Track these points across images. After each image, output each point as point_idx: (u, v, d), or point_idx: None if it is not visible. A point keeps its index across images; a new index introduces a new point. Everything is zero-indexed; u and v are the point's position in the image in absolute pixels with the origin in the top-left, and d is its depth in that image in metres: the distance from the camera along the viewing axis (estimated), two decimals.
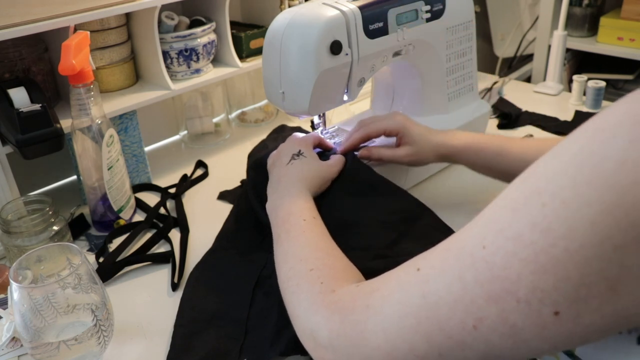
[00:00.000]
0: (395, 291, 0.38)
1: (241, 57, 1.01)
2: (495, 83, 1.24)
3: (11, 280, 0.53)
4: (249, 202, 0.78)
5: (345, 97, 0.78)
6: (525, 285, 0.31)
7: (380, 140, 0.81)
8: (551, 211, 0.31)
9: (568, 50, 1.38)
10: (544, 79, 1.31)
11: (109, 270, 0.72)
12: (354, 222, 0.67)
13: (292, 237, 0.57)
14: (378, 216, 0.69)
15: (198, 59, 0.95)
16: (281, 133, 0.98)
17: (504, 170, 0.72)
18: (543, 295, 0.31)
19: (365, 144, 0.79)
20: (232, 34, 1.00)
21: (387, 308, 0.38)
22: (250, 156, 0.91)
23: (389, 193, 0.73)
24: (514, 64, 1.62)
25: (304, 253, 0.54)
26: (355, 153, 0.76)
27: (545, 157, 0.34)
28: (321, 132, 0.86)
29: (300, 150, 0.71)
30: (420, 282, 0.36)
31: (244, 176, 0.91)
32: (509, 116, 1.10)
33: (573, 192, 0.30)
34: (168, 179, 0.97)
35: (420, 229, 0.69)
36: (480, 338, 0.33)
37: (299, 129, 1.01)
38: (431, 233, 0.69)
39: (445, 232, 0.70)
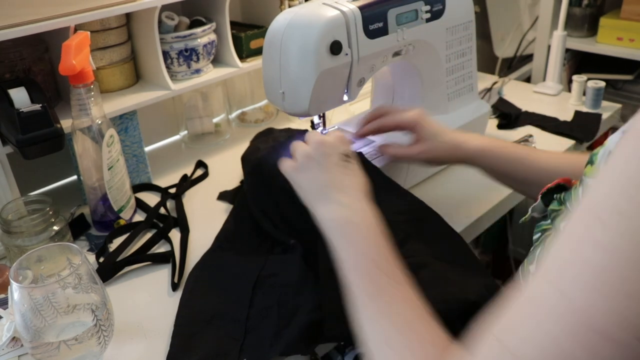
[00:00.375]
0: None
1: (241, 57, 1.01)
2: (495, 83, 1.24)
3: (11, 280, 0.53)
4: (249, 205, 0.78)
5: (345, 97, 0.78)
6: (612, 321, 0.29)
7: (383, 138, 0.81)
8: (611, 227, 0.30)
9: (568, 50, 1.38)
10: (544, 79, 1.31)
11: (109, 270, 0.72)
12: None
13: (379, 305, 0.47)
14: (385, 216, 0.69)
15: (198, 59, 0.95)
16: (270, 135, 0.98)
17: (524, 179, 0.69)
18: (629, 323, 0.29)
19: (374, 138, 0.78)
20: (232, 34, 1.00)
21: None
22: (244, 159, 0.90)
23: (396, 194, 0.73)
24: (514, 64, 1.62)
25: (393, 335, 0.45)
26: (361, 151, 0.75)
27: (597, 181, 0.33)
28: (321, 132, 0.87)
29: (348, 153, 0.59)
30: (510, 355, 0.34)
31: (243, 176, 0.91)
32: (508, 116, 1.10)
33: (628, 203, 0.29)
34: (168, 179, 0.97)
35: (426, 232, 0.69)
36: None
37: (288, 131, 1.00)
38: (437, 236, 0.68)
39: (451, 236, 0.69)
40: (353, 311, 0.49)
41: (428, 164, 0.77)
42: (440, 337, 0.44)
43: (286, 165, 0.63)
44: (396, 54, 0.81)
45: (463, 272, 0.64)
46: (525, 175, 0.69)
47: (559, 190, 0.57)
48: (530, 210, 0.59)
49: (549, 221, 0.54)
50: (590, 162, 0.46)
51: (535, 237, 0.55)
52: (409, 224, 0.68)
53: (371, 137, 0.88)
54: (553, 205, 0.54)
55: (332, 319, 0.59)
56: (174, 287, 0.70)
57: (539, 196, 0.58)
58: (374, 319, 0.47)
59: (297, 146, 0.62)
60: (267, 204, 0.75)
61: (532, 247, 0.55)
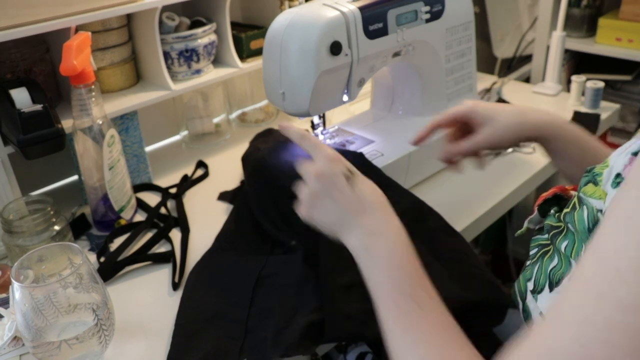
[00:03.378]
0: None
1: (241, 58, 1.02)
2: (494, 83, 1.24)
3: (13, 280, 0.53)
4: (249, 204, 0.78)
5: (345, 98, 0.79)
6: None
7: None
8: (636, 286, 0.29)
9: (567, 50, 1.38)
10: (543, 80, 1.31)
11: (110, 269, 0.73)
12: None
13: (409, 332, 0.46)
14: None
15: (198, 59, 0.96)
16: (270, 135, 0.97)
17: (581, 162, 0.64)
18: None
19: (373, 138, 0.78)
20: (233, 35, 1.00)
21: None
22: (244, 160, 0.90)
23: (398, 194, 0.73)
24: (513, 64, 1.63)
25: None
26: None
27: (609, 231, 0.32)
28: (321, 132, 0.87)
29: (348, 169, 0.56)
30: None
31: (244, 177, 0.91)
32: None
33: None
34: (169, 179, 0.97)
35: (427, 231, 0.69)
36: None
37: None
38: (437, 235, 0.69)
39: (450, 234, 0.70)
40: (386, 338, 0.48)
41: (496, 150, 0.71)
42: (469, 357, 0.43)
43: (301, 212, 0.58)
44: (396, 54, 0.81)
45: (464, 271, 0.64)
46: (584, 159, 0.64)
47: (555, 200, 0.56)
48: (526, 222, 0.58)
49: (546, 236, 0.53)
50: (593, 182, 0.45)
51: (532, 252, 0.54)
52: (412, 224, 0.69)
53: (370, 138, 0.88)
54: (550, 220, 0.53)
55: (333, 319, 0.59)
56: (175, 286, 0.70)
57: (535, 207, 0.57)
58: (402, 346, 0.46)
59: (300, 187, 0.58)
60: (268, 204, 0.75)
61: (529, 262, 0.54)
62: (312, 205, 0.57)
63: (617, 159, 0.42)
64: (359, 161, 0.75)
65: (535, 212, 0.57)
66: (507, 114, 0.68)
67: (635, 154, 0.40)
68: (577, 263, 0.35)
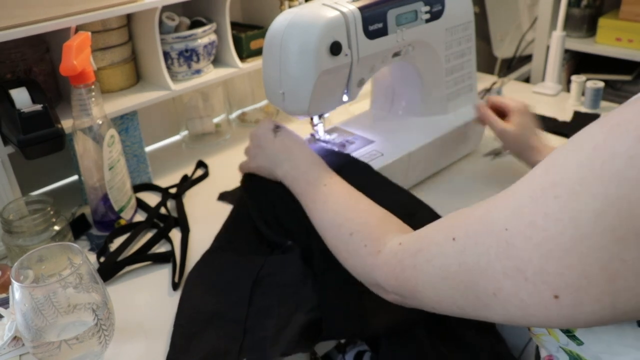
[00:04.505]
0: (436, 257, 0.43)
1: (241, 58, 1.02)
2: (494, 83, 1.24)
3: (13, 280, 0.53)
4: (247, 205, 0.78)
5: (345, 98, 0.79)
6: (532, 266, 0.34)
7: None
8: (563, 202, 0.33)
9: (567, 50, 1.38)
10: (543, 80, 1.31)
11: (109, 269, 0.73)
12: None
13: (320, 207, 0.63)
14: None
15: (198, 59, 0.96)
16: None
17: None
18: (546, 279, 0.34)
19: (373, 138, 0.87)
20: (233, 35, 1.00)
21: (431, 270, 0.44)
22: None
23: (389, 190, 0.74)
24: (513, 64, 1.63)
25: (337, 219, 0.60)
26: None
27: (567, 148, 0.36)
28: (322, 132, 0.87)
29: (276, 125, 0.75)
30: (457, 252, 0.41)
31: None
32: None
33: (583, 186, 0.32)
34: (169, 179, 0.97)
35: (420, 223, 0.70)
36: (499, 305, 0.38)
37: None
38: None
39: None
40: (316, 227, 0.64)
41: (513, 145, 0.84)
42: (382, 223, 0.56)
43: (242, 165, 0.80)
44: (396, 54, 0.81)
45: None
46: None
47: None
48: None
49: None
50: None
51: None
52: (405, 218, 0.69)
53: (370, 138, 0.88)
54: None
55: (331, 317, 0.59)
56: (175, 286, 0.70)
57: None
58: (323, 216, 0.62)
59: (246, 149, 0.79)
60: (264, 206, 0.75)
61: None
62: (251, 157, 0.77)
63: None
64: (344, 161, 0.76)
65: None
66: (529, 139, 0.82)
67: None
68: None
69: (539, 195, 0.35)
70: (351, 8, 0.72)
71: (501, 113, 0.87)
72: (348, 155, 0.79)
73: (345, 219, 0.59)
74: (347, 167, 0.74)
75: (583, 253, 0.32)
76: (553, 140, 1.04)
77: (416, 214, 0.72)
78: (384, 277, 0.50)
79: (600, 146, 0.32)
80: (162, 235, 0.80)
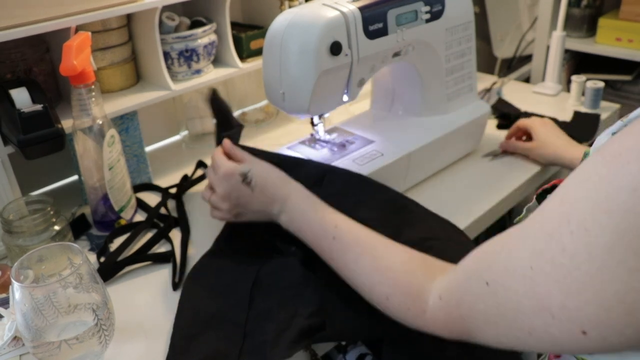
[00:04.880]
0: (477, 304, 0.43)
1: (241, 58, 1.02)
2: (494, 83, 1.24)
3: (13, 280, 0.53)
4: None
5: (345, 98, 0.79)
6: (556, 303, 0.35)
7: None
8: (577, 238, 0.34)
9: (567, 50, 1.38)
10: (543, 80, 1.31)
11: (110, 269, 0.73)
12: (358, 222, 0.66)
13: (340, 265, 0.59)
14: (373, 212, 0.69)
15: (198, 59, 0.96)
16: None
17: None
18: (570, 315, 0.34)
19: (373, 138, 0.84)
20: (233, 35, 1.00)
21: (478, 315, 0.44)
22: None
23: (374, 189, 0.74)
24: (513, 64, 1.63)
25: (365, 282, 0.56)
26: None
27: (575, 179, 0.36)
28: (322, 132, 0.87)
29: (241, 174, 0.67)
30: (492, 295, 0.41)
31: None
32: (508, 116, 1.10)
33: (593, 220, 0.33)
34: (169, 179, 0.97)
35: (412, 216, 0.71)
36: (536, 341, 0.38)
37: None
38: (425, 217, 0.71)
39: (433, 216, 0.73)
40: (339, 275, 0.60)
41: (538, 162, 0.92)
42: (413, 277, 0.53)
43: (217, 217, 0.72)
44: (396, 54, 0.81)
45: (458, 247, 0.65)
46: None
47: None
48: (525, 210, 0.60)
49: None
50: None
51: None
52: (395, 213, 0.70)
53: (370, 138, 0.88)
54: None
55: (334, 319, 0.59)
56: (175, 286, 0.70)
57: (534, 196, 0.58)
58: (347, 272, 0.58)
59: (215, 212, 0.72)
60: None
61: None
62: (235, 217, 0.70)
63: (600, 138, 0.44)
64: (316, 172, 0.74)
65: (534, 200, 0.58)
66: (551, 147, 0.89)
67: (614, 133, 0.42)
68: (550, 195, 0.40)
69: (556, 231, 0.35)
70: (351, 8, 0.72)
71: (526, 132, 0.96)
72: (322, 165, 0.76)
73: (374, 282, 0.55)
74: (327, 177, 0.73)
75: (599, 287, 0.32)
76: None
77: (406, 206, 0.73)
78: (437, 331, 0.50)
79: (604, 179, 0.33)
80: (162, 235, 0.80)
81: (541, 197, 0.58)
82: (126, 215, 0.84)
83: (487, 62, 1.64)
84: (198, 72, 0.97)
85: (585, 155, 0.46)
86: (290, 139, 0.94)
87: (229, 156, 0.72)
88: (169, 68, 0.94)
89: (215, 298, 0.66)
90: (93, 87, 0.75)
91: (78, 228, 0.83)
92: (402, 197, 0.75)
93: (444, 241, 0.67)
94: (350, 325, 0.59)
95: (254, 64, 1.02)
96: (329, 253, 0.60)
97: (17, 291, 0.53)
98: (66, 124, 0.78)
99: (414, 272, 0.53)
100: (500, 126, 1.09)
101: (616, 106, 1.16)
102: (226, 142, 0.73)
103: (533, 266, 0.37)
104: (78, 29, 0.80)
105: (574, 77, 1.16)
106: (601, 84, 1.12)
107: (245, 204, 0.67)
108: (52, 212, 0.73)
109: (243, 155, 0.71)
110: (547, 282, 0.35)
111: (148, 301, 0.69)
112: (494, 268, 0.41)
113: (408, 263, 0.55)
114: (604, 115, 1.11)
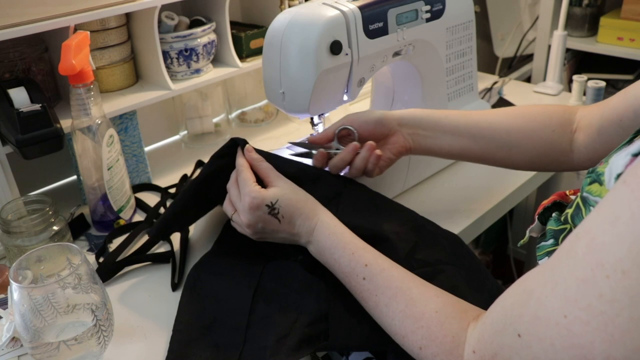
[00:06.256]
0: (512, 357, 0.41)
1: (241, 57, 1.01)
2: (495, 83, 1.24)
3: (11, 280, 0.53)
4: None
5: (345, 97, 0.78)
6: (599, 353, 0.33)
7: None
8: (615, 282, 0.32)
9: (568, 50, 1.38)
10: (544, 79, 1.31)
11: (109, 270, 0.72)
12: (378, 237, 0.65)
13: (370, 305, 0.56)
14: (392, 229, 0.68)
15: (198, 59, 0.95)
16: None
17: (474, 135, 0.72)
18: None
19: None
20: (232, 34, 1.00)
21: None
22: None
23: (391, 206, 0.72)
24: (514, 64, 1.62)
25: (398, 330, 0.53)
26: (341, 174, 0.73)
27: (602, 219, 0.34)
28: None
29: (268, 205, 0.62)
30: (526, 347, 0.39)
31: None
32: None
33: (632, 262, 0.31)
34: (168, 179, 0.97)
35: (428, 237, 0.68)
36: None
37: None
38: (438, 240, 0.67)
39: (447, 237, 0.69)
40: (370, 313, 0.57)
41: (407, 152, 0.75)
42: (446, 324, 0.50)
43: (247, 233, 0.66)
44: (396, 53, 0.81)
45: (468, 276, 0.63)
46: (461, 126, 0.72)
47: (555, 207, 0.56)
48: (528, 232, 0.59)
49: (550, 242, 0.53)
50: (598, 181, 0.45)
51: (540, 260, 0.54)
52: (413, 232, 0.68)
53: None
54: (552, 225, 0.54)
55: (338, 328, 0.58)
56: (174, 287, 0.70)
57: (536, 216, 0.58)
58: (381, 315, 0.55)
59: (236, 223, 0.67)
60: None
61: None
62: (263, 239, 0.66)
63: (617, 159, 0.42)
64: (335, 185, 0.70)
65: (536, 221, 0.57)
66: (373, 115, 0.73)
67: (635, 155, 0.40)
68: (574, 231, 0.38)
69: (589, 277, 0.34)
70: (351, 7, 0.72)
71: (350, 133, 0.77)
72: (342, 179, 0.73)
73: (407, 331, 0.53)
74: (346, 191, 0.70)
75: None
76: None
77: (423, 226, 0.69)
78: None
79: (637, 215, 0.31)
80: None
81: (542, 216, 0.57)
82: (125, 216, 0.83)
83: (487, 62, 1.64)
84: (197, 71, 0.97)
85: (598, 174, 0.45)
86: (290, 138, 0.94)
87: (251, 166, 0.67)
88: (168, 67, 0.94)
89: (216, 302, 0.65)
90: (92, 86, 0.75)
91: (77, 228, 0.83)
92: (421, 217, 0.72)
93: (457, 268, 0.65)
94: (356, 336, 0.59)
95: (254, 63, 1.02)
96: (359, 293, 0.58)
97: (15, 292, 0.53)
98: (65, 123, 0.77)
99: (448, 321, 0.50)
100: None
101: None
102: (249, 150, 0.68)
103: (567, 314, 0.35)
104: (77, 28, 0.80)
105: (575, 77, 1.16)
106: (602, 84, 1.12)
107: (271, 232, 0.64)
108: (50, 213, 0.73)
109: (267, 172, 0.66)
110: (587, 331, 0.33)
111: (147, 301, 0.69)
112: (525, 318, 0.39)
113: (442, 311, 0.51)
114: None
